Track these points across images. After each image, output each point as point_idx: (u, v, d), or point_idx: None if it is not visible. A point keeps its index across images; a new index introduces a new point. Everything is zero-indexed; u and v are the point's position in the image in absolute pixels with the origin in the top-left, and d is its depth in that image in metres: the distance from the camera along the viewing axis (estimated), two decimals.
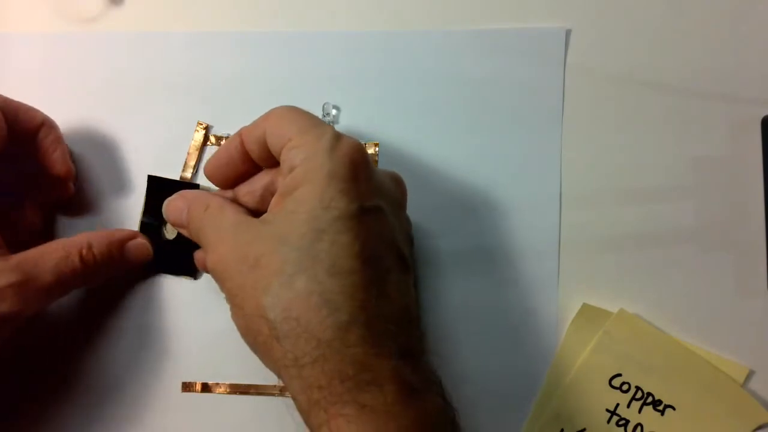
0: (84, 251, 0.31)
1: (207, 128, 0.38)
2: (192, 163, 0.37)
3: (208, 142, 0.38)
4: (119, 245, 0.33)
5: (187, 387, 0.35)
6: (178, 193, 0.33)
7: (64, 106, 0.37)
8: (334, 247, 0.26)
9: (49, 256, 0.30)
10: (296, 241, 0.26)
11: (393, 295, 0.27)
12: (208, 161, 0.33)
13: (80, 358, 0.35)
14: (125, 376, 0.35)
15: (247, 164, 0.32)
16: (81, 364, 0.35)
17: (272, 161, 0.31)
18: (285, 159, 0.28)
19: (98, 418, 0.35)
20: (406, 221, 0.32)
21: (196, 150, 0.37)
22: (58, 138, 0.34)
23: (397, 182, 0.32)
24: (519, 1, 0.38)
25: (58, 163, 0.34)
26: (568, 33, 0.38)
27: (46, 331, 0.36)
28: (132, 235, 0.34)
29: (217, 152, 0.32)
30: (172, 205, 0.33)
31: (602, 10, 0.38)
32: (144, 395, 0.35)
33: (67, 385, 0.35)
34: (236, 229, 0.28)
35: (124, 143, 0.38)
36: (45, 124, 0.34)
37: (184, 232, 0.32)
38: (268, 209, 0.30)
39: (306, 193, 0.27)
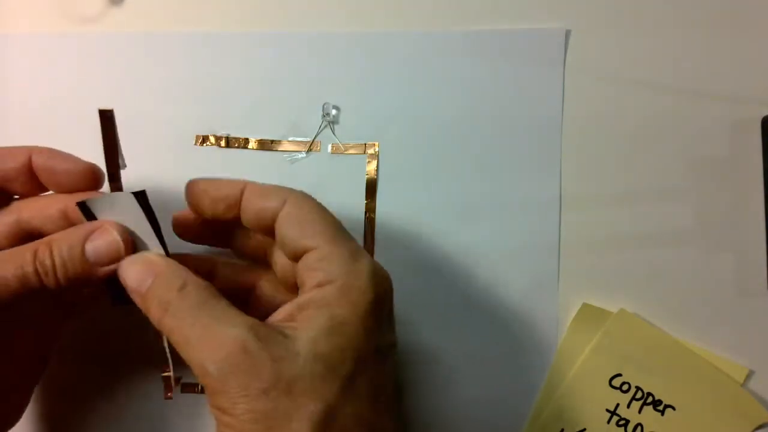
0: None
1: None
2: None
3: (207, 142, 0.38)
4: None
5: (187, 387, 0.35)
6: (141, 257, 0.27)
7: (65, 106, 0.37)
8: (373, 380, 0.26)
9: None
10: (340, 370, 0.25)
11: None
12: (201, 188, 0.29)
13: (80, 358, 0.35)
14: (125, 375, 0.35)
15: (231, 216, 0.29)
16: (81, 364, 0.35)
17: (230, 227, 0.30)
18: (313, 267, 0.27)
19: (98, 418, 0.35)
20: None
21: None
22: None
23: None
24: (519, 1, 0.38)
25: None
26: (568, 33, 0.38)
27: None
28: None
29: (215, 185, 0.29)
30: (133, 271, 0.27)
31: (602, 10, 0.38)
32: (144, 395, 0.35)
33: (66, 384, 0.35)
34: (249, 334, 0.24)
35: (124, 144, 0.37)
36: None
37: (138, 302, 0.27)
38: (287, 317, 0.26)
39: (349, 319, 0.26)
